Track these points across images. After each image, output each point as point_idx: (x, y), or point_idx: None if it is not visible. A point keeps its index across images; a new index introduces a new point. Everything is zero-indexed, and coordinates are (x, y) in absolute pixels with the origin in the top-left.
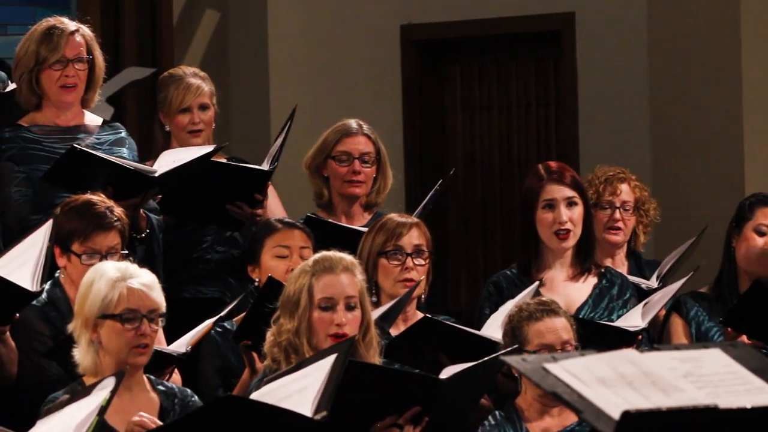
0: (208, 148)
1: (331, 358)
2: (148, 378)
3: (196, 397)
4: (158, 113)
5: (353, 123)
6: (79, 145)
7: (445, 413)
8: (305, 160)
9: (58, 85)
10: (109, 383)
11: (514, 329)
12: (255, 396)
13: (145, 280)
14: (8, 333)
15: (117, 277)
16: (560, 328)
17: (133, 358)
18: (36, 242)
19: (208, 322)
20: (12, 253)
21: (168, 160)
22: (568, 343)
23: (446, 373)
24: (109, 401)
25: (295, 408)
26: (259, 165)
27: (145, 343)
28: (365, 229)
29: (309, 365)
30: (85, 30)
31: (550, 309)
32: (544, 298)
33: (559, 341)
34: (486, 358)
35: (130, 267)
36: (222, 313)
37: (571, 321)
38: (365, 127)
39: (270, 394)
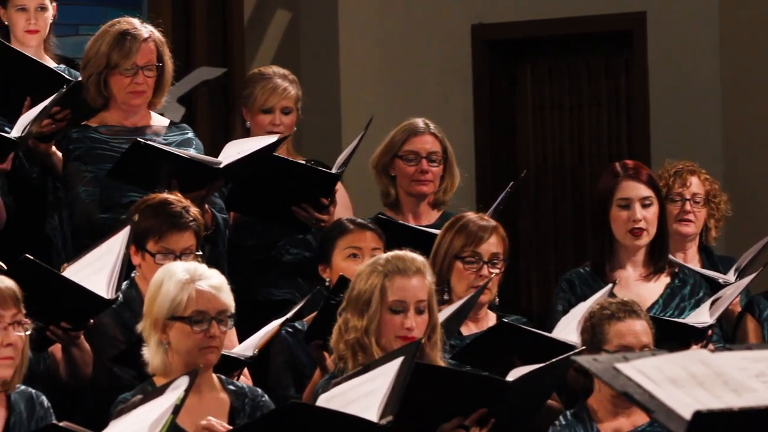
0: (272, 138)
1: (397, 362)
2: (219, 377)
3: (266, 397)
4: (241, 107)
5: (420, 122)
6: (141, 139)
7: (512, 415)
8: (372, 160)
9: (126, 90)
10: (183, 382)
11: (594, 327)
12: (323, 398)
13: (214, 281)
14: (83, 336)
15: (186, 279)
16: (641, 331)
17: (202, 360)
18: (113, 248)
19: (275, 323)
20: (87, 258)
21: (233, 151)
22: (647, 347)
23: (513, 374)
24: (183, 400)
25: (362, 412)
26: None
27: (214, 345)
28: (435, 231)
29: (376, 368)
30: (157, 35)
31: (632, 310)
32: (626, 299)
33: (638, 344)
34: (554, 360)
35: (199, 268)
36: (289, 315)
37: (651, 324)
38: (432, 126)
39: (338, 397)
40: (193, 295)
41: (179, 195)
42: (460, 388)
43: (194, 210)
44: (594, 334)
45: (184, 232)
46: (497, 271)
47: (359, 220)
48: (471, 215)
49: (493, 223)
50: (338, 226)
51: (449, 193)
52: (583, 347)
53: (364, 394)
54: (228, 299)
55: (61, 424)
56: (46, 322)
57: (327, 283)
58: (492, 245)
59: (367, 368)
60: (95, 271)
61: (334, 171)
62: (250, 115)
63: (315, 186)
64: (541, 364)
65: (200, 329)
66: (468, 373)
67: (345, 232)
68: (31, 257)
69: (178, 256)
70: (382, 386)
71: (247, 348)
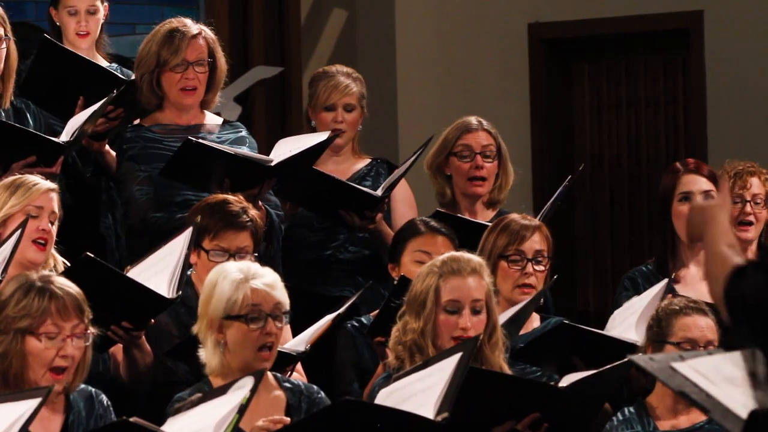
0: (323, 135)
1: (455, 358)
2: (275, 375)
3: (322, 394)
4: (308, 107)
5: (473, 119)
6: (192, 137)
7: (566, 420)
8: (426, 160)
9: (177, 87)
10: (248, 382)
11: (661, 320)
12: (382, 394)
13: (268, 279)
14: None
15: (240, 278)
16: (706, 327)
17: (259, 364)
18: (175, 250)
19: (328, 318)
20: (150, 260)
21: (285, 149)
22: (712, 344)
23: (567, 380)
24: (248, 400)
25: (418, 409)
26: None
27: (270, 342)
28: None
29: (434, 364)
30: (208, 32)
31: (700, 308)
32: (695, 299)
33: (704, 339)
34: (608, 366)
35: (253, 267)
36: (341, 310)
37: (717, 324)
38: (485, 123)
39: (396, 393)
40: (248, 293)
41: (239, 196)
42: (513, 393)
43: (254, 212)
44: (660, 327)
45: (240, 231)
46: (542, 268)
47: (433, 223)
48: (514, 215)
49: (535, 221)
50: (411, 227)
51: (504, 191)
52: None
53: (422, 389)
54: (282, 296)
55: (131, 419)
56: (107, 323)
57: (395, 282)
58: (535, 243)
59: (425, 364)
60: (157, 272)
61: (379, 193)
62: (314, 114)
63: (360, 202)
64: (595, 371)
65: (256, 327)
66: (521, 378)
67: (417, 234)
68: (92, 255)
69: (232, 255)
70: (439, 382)
71: (299, 343)
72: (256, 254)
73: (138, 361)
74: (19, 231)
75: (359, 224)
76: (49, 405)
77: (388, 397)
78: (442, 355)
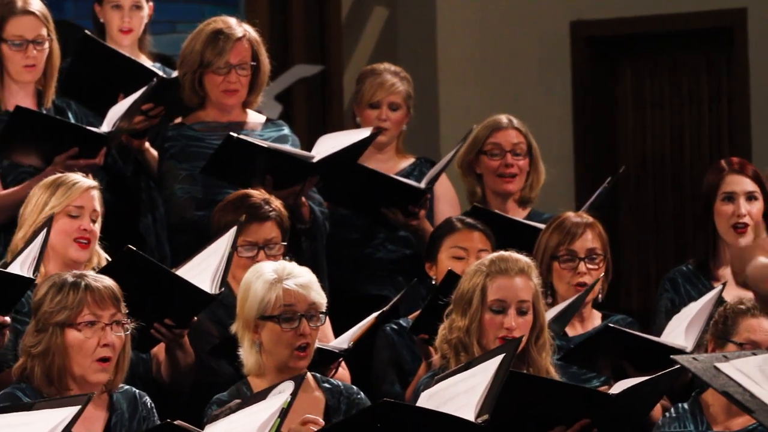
0: (366, 132)
1: (497, 359)
2: (314, 376)
3: (362, 395)
4: (353, 105)
5: (503, 117)
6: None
7: (616, 425)
8: (457, 159)
9: (219, 89)
10: (288, 387)
11: (727, 318)
12: (424, 396)
13: (301, 279)
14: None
15: (274, 278)
16: None
17: (294, 362)
18: (218, 249)
19: (371, 317)
20: (195, 261)
21: (327, 146)
22: None
23: (618, 387)
24: (290, 404)
25: (459, 410)
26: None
27: (305, 343)
28: (529, 222)
29: (477, 365)
30: (252, 34)
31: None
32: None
33: (767, 342)
34: (661, 373)
35: (288, 267)
36: (385, 309)
37: None
38: (515, 121)
39: (438, 394)
40: (281, 294)
41: (262, 190)
42: (562, 398)
43: (276, 202)
44: (725, 324)
45: (265, 222)
46: (595, 266)
47: (468, 219)
48: (569, 214)
49: (588, 219)
50: (447, 225)
51: (535, 190)
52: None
53: (464, 391)
54: (317, 296)
55: (175, 422)
56: (151, 321)
57: (432, 281)
58: (587, 241)
59: (468, 365)
60: (201, 271)
61: (422, 185)
62: (359, 110)
63: (403, 196)
64: (646, 378)
65: (290, 327)
66: (570, 385)
67: (453, 230)
68: (134, 248)
69: (262, 247)
70: (480, 384)
71: (343, 341)
72: (285, 243)
73: (180, 361)
74: (45, 230)
75: (403, 221)
76: (93, 404)
77: (431, 398)
78: (485, 356)
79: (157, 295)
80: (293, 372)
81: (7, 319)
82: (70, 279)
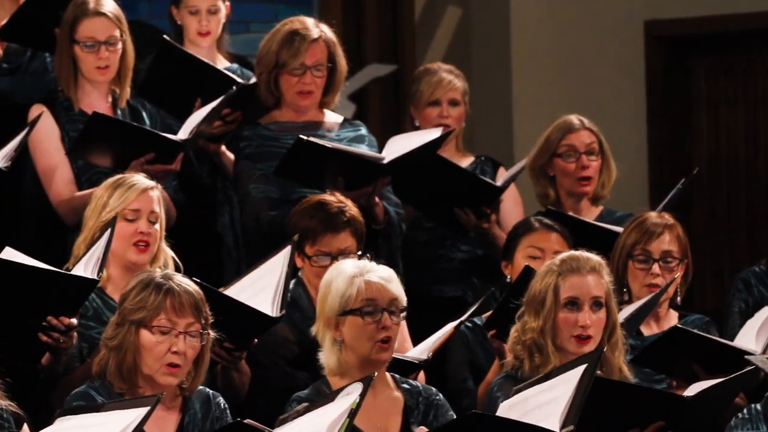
0: (436, 133)
1: (579, 370)
2: (392, 376)
3: (440, 396)
4: (410, 106)
5: (575, 118)
6: (305, 135)
7: (690, 427)
8: (528, 163)
9: (294, 90)
10: (357, 388)
11: None
12: (504, 406)
13: (382, 273)
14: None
15: (354, 273)
16: None
17: (377, 355)
18: (275, 268)
19: (450, 326)
20: (250, 278)
21: (397, 147)
22: None
23: (693, 389)
24: (358, 405)
25: (543, 421)
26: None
27: (387, 336)
28: (603, 225)
29: (557, 376)
30: (328, 35)
31: None
32: None
33: None
34: (734, 375)
35: (368, 263)
36: (463, 317)
37: None
38: (586, 121)
39: (518, 405)
40: (362, 286)
41: (338, 195)
42: (636, 402)
43: (353, 209)
44: None
45: (340, 232)
46: (669, 270)
47: (546, 220)
48: (651, 214)
49: (669, 220)
50: (525, 224)
51: (607, 187)
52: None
53: (546, 402)
54: (398, 290)
55: (245, 421)
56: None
57: (508, 279)
58: (664, 243)
59: (548, 376)
60: (258, 291)
61: (499, 183)
62: (417, 111)
63: (478, 193)
64: (720, 380)
65: (372, 320)
66: (645, 388)
67: (530, 230)
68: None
69: (335, 257)
70: (564, 395)
71: (422, 351)
72: (360, 253)
73: (236, 383)
74: (108, 231)
75: (475, 222)
76: (166, 404)
77: (511, 408)
78: (566, 366)
79: (217, 319)
80: (376, 366)
81: (74, 320)
82: (157, 279)
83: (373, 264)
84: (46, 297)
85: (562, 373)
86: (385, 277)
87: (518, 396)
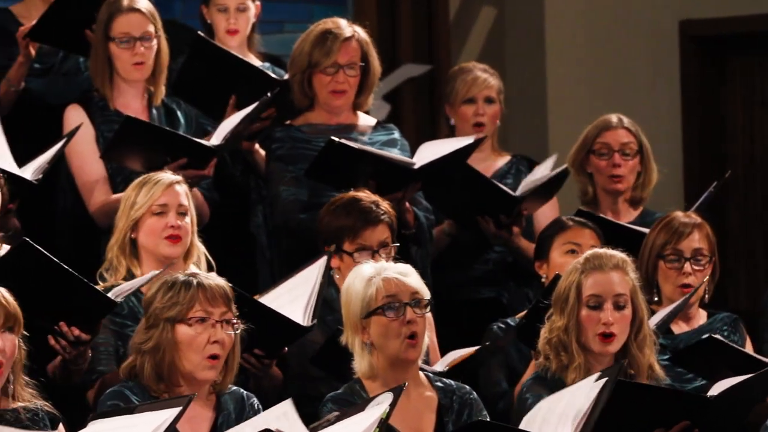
0: (468, 140)
1: (599, 383)
2: (426, 375)
3: (474, 394)
4: (445, 106)
5: (614, 117)
6: (336, 137)
7: (717, 427)
8: (569, 158)
9: (327, 90)
10: (387, 398)
11: None
12: (527, 419)
13: (399, 269)
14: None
15: (371, 274)
16: None
17: (406, 353)
18: (309, 278)
19: (472, 349)
20: (283, 288)
21: (429, 152)
22: None
23: (717, 388)
24: (389, 414)
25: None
26: (542, 163)
27: (413, 332)
28: (635, 227)
29: (578, 388)
30: (361, 35)
31: None
32: None
33: None
34: (757, 373)
35: (383, 263)
36: (488, 344)
37: None
38: (625, 120)
39: (537, 417)
40: (381, 285)
41: (368, 192)
42: (661, 403)
43: (385, 204)
44: None
45: (377, 225)
46: (701, 268)
47: (578, 218)
48: (678, 213)
49: (697, 219)
50: (557, 223)
51: (647, 189)
52: None
53: (562, 412)
54: (418, 283)
55: (273, 429)
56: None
57: (543, 280)
58: (694, 241)
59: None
60: (290, 300)
61: (517, 194)
62: (453, 110)
63: (496, 202)
64: (744, 377)
65: (395, 316)
66: (669, 389)
67: (564, 228)
68: (232, 286)
69: (376, 251)
70: (582, 407)
71: (440, 364)
72: (397, 244)
73: (265, 388)
74: (150, 275)
75: (494, 231)
76: (200, 404)
77: (534, 419)
78: (586, 380)
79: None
80: (406, 366)
81: (84, 336)
82: (182, 277)
83: (390, 263)
84: (64, 301)
85: (581, 385)
86: (402, 272)
87: (544, 402)
